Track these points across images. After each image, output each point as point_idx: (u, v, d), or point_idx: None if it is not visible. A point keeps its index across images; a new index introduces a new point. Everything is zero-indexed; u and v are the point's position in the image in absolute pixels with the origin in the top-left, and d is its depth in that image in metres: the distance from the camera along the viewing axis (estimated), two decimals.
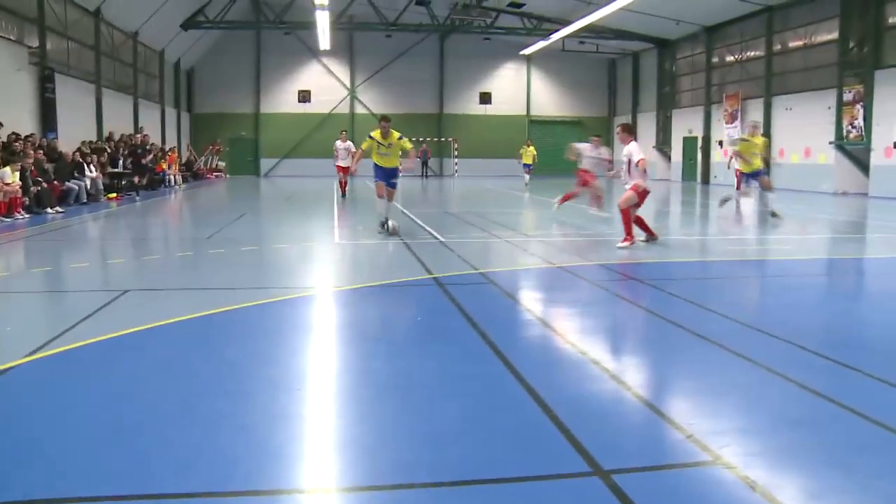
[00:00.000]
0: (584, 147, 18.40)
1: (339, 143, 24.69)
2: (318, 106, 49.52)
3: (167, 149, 36.64)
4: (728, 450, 3.94)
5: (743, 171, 18.32)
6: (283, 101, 49.62)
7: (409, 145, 14.35)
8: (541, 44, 43.49)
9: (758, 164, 17.70)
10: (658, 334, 6.86)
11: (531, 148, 33.66)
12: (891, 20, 28.56)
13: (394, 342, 6.50)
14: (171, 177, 33.35)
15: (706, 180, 40.69)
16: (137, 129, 34.83)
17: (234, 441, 4.11)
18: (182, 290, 8.87)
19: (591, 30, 39.10)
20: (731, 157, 29.56)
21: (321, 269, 10.93)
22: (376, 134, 14.37)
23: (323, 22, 35.54)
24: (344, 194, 24.47)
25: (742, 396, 4.91)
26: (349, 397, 5.07)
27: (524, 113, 51.78)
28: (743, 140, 18.73)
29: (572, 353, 6.09)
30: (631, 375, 5.51)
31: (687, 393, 5.17)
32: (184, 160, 40.39)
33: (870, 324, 7.51)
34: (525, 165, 32.93)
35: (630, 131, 12.73)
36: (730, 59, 38.66)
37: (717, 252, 12.75)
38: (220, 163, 46.46)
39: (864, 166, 29.86)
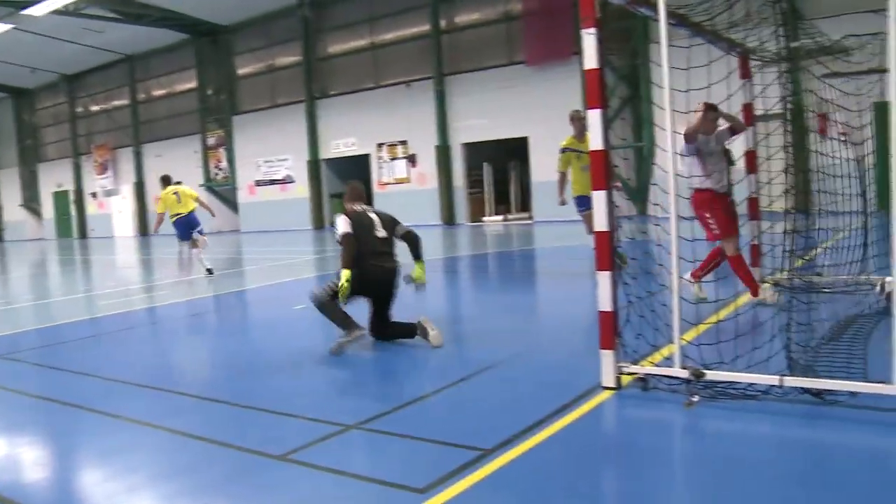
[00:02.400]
0: None
1: None
2: None
3: None
4: None
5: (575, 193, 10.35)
6: None
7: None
8: None
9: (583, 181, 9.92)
10: (21, 413, 5.76)
11: None
12: (241, 71, 30.85)
13: None
14: None
15: (83, 234, 39.06)
16: None
17: None
18: None
19: None
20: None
21: None
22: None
23: None
24: None
25: (126, 456, 4.39)
26: None
27: None
28: (567, 150, 10.17)
29: None
30: None
31: (53, 469, 4.48)
32: None
33: (246, 353, 7.55)
34: None
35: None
36: (95, 108, 37.74)
37: (88, 310, 11.95)
38: None
39: (233, 205, 31.75)
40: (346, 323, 6.51)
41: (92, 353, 7.92)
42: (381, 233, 6.70)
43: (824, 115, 7.32)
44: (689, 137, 6.88)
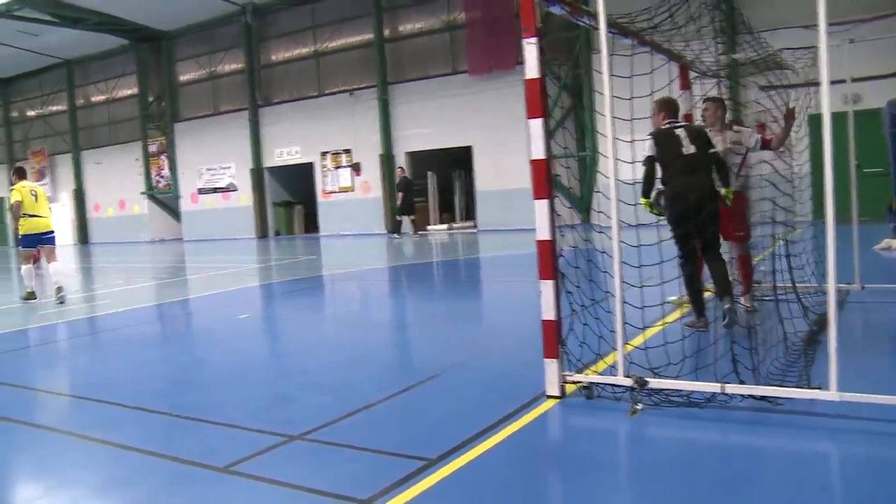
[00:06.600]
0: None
1: None
2: None
3: None
4: None
5: None
6: None
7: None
8: None
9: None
10: None
11: None
12: (182, 77, 30.39)
13: None
14: None
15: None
16: None
17: None
18: None
19: None
20: None
21: None
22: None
23: None
24: None
25: (59, 469, 4.27)
26: None
27: None
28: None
29: None
30: None
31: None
32: None
33: (187, 363, 7.44)
34: None
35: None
36: (32, 113, 36.71)
37: (25, 320, 11.61)
38: None
39: (175, 213, 31.26)
40: (697, 308, 6.52)
41: (27, 365, 7.73)
42: (689, 149, 6.23)
43: (762, 126, 7.47)
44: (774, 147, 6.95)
